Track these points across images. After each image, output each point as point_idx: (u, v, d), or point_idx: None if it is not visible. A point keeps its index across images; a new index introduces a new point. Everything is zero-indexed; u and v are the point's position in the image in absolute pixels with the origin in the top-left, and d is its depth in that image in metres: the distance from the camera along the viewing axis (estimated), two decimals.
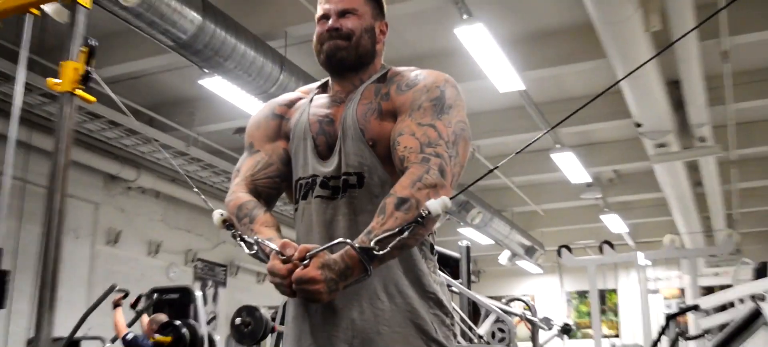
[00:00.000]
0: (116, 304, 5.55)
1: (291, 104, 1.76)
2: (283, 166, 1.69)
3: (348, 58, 1.64)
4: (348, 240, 1.38)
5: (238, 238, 1.54)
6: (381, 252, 1.37)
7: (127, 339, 5.39)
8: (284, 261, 1.39)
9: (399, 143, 1.52)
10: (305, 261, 1.36)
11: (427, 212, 1.37)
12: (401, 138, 1.52)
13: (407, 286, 1.53)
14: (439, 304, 1.57)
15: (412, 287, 1.54)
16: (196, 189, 2.07)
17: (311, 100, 1.72)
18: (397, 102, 1.59)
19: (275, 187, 1.69)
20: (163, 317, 5.48)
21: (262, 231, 1.52)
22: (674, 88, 7.20)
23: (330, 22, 1.65)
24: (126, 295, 5.52)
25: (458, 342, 5.27)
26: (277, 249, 1.41)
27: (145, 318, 5.68)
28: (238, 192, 1.65)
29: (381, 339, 1.50)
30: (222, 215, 1.58)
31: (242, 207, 1.60)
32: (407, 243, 1.41)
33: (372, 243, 1.37)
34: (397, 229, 1.37)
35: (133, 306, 5.61)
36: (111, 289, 5.06)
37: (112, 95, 2.37)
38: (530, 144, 1.66)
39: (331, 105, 1.68)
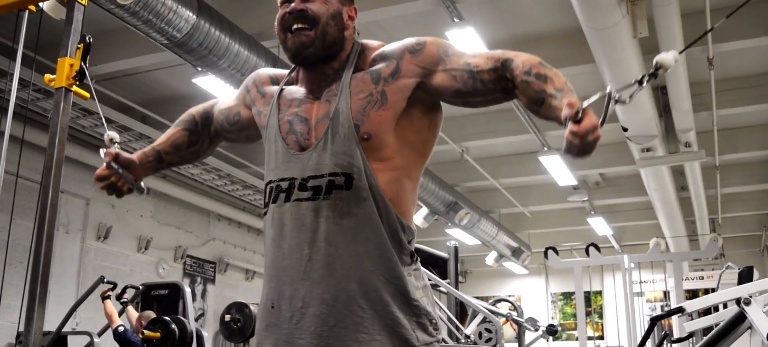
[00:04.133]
0: (104, 297, 5.59)
1: (270, 81, 1.72)
2: (243, 118, 1.75)
3: (315, 54, 1.55)
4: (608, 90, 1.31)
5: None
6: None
7: (118, 331, 5.42)
8: (107, 166, 1.64)
9: (470, 64, 1.50)
10: (579, 116, 1.28)
11: (659, 65, 1.35)
12: (468, 66, 1.50)
13: (388, 295, 1.44)
14: (421, 312, 1.48)
15: (393, 295, 1.45)
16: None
17: (280, 93, 1.63)
18: (409, 72, 1.53)
19: (227, 121, 1.78)
20: (151, 314, 5.51)
21: (147, 147, 1.77)
22: (660, 93, 7.31)
23: (293, 4, 1.55)
24: (113, 287, 5.56)
25: (445, 342, 5.33)
26: (103, 154, 1.64)
27: (132, 311, 5.70)
28: (179, 120, 1.83)
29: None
30: (110, 135, 1.74)
31: (166, 132, 1.80)
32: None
33: (583, 104, 1.30)
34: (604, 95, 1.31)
35: (119, 297, 5.65)
36: (99, 281, 5.10)
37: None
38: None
39: (303, 101, 1.58)
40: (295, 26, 1.55)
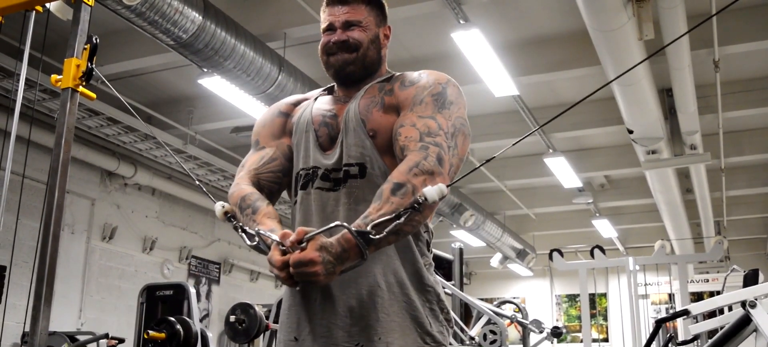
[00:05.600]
0: None
1: (297, 103, 1.82)
2: (287, 161, 1.74)
3: (356, 72, 1.69)
4: (344, 224, 1.38)
5: (240, 230, 1.55)
6: (377, 237, 1.37)
7: None
8: (284, 253, 1.40)
9: (400, 134, 1.55)
10: (302, 244, 1.36)
11: (423, 198, 1.38)
12: (402, 129, 1.56)
13: (405, 278, 1.55)
14: (435, 299, 1.58)
15: (410, 279, 1.55)
16: (198, 182, 2.07)
17: (316, 99, 1.77)
18: (400, 97, 1.63)
19: (278, 182, 1.73)
20: None
21: (264, 222, 1.53)
22: (666, 96, 7.30)
23: (336, 35, 1.68)
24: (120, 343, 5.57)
25: (450, 344, 5.34)
26: (278, 239, 1.42)
27: None
28: (241, 185, 1.68)
29: (379, 326, 1.50)
30: (223, 207, 1.60)
31: (245, 198, 1.61)
32: (403, 228, 1.41)
33: (368, 227, 1.37)
34: (393, 214, 1.38)
35: None
36: (103, 337, 5.07)
37: (117, 93, 2.42)
38: (521, 139, 1.69)
39: (334, 102, 1.73)
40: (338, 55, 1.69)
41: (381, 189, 1.45)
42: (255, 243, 1.51)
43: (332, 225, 1.39)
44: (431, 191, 1.38)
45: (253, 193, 1.64)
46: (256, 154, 1.77)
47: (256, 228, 1.50)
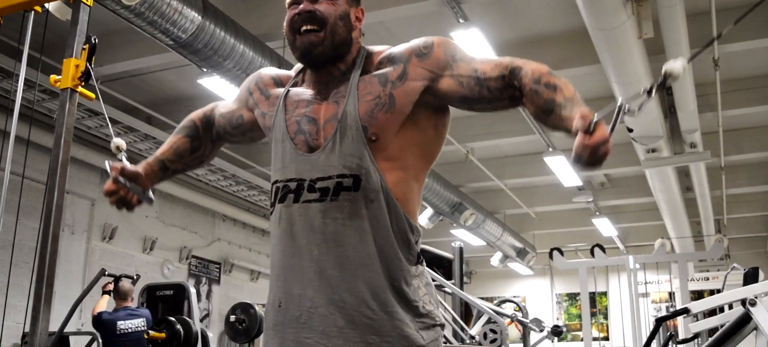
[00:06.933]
0: (105, 291, 5.65)
1: (273, 83, 1.72)
2: (246, 121, 1.75)
3: (324, 53, 1.56)
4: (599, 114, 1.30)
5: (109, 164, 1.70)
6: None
7: (94, 315, 5.50)
8: (114, 181, 1.64)
9: (477, 71, 1.51)
10: (591, 128, 1.28)
11: (670, 74, 1.32)
12: (475, 72, 1.51)
13: (392, 296, 1.46)
14: (424, 313, 1.50)
15: (398, 297, 1.47)
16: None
17: (286, 95, 1.63)
18: (421, 69, 1.53)
19: (227, 132, 1.80)
20: (127, 284, 5.64)
21: (152, 156, 1.75)
22: (666, 94, 7.29)
23: (302, 5, 1.56)
24: (116, 280, 5.61)
25: (450, 343, 5.32)
26: (108, 168, 1.65)
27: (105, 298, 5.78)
28: (180, 126, 1.83)
29: None
30: (116, 143, 1.81)
31: (168, 140, 1.80)
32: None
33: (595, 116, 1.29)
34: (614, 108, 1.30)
35: (105, 288, 5.72)
36: (100, 274, 5.12)
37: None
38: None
39: (310, 102, 1.58)
40: (304, 28, 1.56)
41: (553, 102, 1.40)
42: (111, 175, 1.67)
43: (598, 115, 1.31)
44: (676, 65, 1.32)
45: (175, 139, 1.81)
46: (228, 106, 1.82)
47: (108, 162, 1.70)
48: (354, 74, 1.57)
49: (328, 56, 1.56)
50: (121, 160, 1.80)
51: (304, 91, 1.62)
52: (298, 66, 1.70)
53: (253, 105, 1.72)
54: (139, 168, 1.72)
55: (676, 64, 1.33)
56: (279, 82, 1.71)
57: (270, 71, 1.77)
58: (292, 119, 1.58)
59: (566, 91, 1.41)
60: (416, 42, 1.59)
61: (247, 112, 1.75)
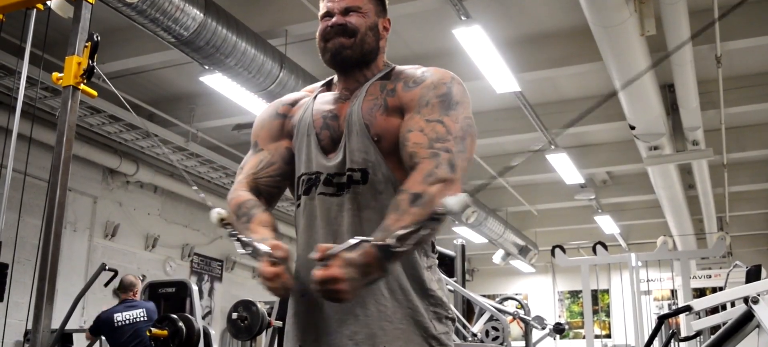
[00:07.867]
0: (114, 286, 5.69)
1: (294, 103, 1.76)
2: (286, 164, 1.70)
3: (353, 56, 1.64)
4: (368, 238, 1.36)
5: (235, 238, 1.55)
6: (400, 249, 1.35)
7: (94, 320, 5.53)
8: (273, 264, 1.43)
9: (408, 140, 1.52)
10: (326, 261, 1.34)
11: (444, 208, 1.35)
12: (410, 134, 1.52)
13: (408, 283, 1.53)
14: (437, 302, 1.57)
15: (412, 285, 1.54)
16: (195, 187, 2.11)
17: (315, 98, 1.72)
18: (405, 99, 1.59)
19: (277, 186, 1.71)
20: (130, 277, 5.65)
21: (257, 230, 1.54)
22: (668, 91, 7.28)
23: (334, 18, 1.65)
24: (115, 275, 5.62)
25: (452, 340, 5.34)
26: (268, 250, 1.44)
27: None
28: (239, 190, 1.67)
29: (383, 335, 1.50)
30: (219, 213, 1.59)
31: (242, 205, 1.62)
32: (424, 239, 1.39)
33: (391, 241, 1.34)
34: (414, 226, 1.35)
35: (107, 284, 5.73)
36: (101, 269, 5.12)
37: (117, 91, 2.42)
38: (528, 153, 1.70)
39: (335, 101, 1.68)
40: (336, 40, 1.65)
41: (396, 200, 1.43)
42: (248, 251, 1.52)
43: (353, 241, 1.36)
44: (453, 201, 1.35)
45: (249, 200, 1.64)
46: (254, 157, 1.74)
47: (249, 237, 1.52)
48: (372, 80, 1.67)
49: (356, 60, 1.65)
50: (233, 232, 1.58)
51: (332, 94, 1.71)
52: (314, 85, 1.80)
53: (290, 128, 1.71)
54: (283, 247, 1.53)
55: (453, 200, 1.35)
56: (295, 102, 1.77)
57: (287, 97, 1.81)
58: (319, 115, 1.66)
59: (402, 220, 1.38)
60: (428, 73, 1.64)
61: (285, 140, 1.72)
